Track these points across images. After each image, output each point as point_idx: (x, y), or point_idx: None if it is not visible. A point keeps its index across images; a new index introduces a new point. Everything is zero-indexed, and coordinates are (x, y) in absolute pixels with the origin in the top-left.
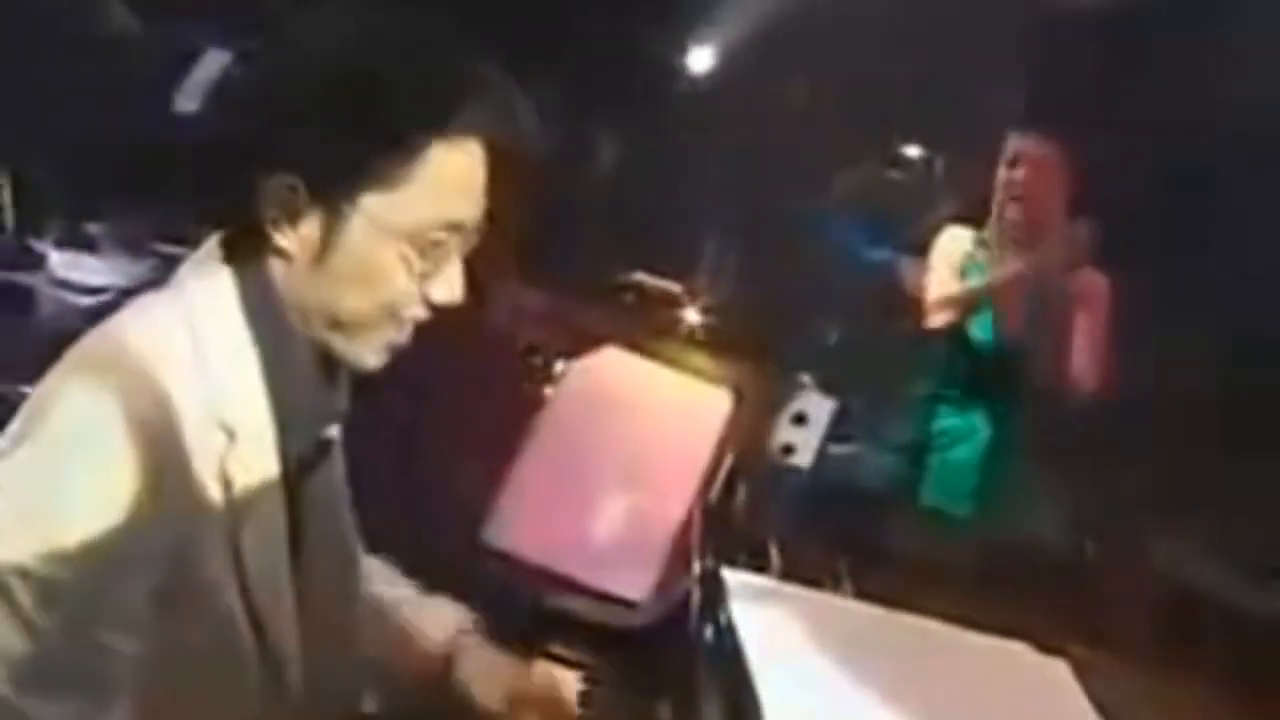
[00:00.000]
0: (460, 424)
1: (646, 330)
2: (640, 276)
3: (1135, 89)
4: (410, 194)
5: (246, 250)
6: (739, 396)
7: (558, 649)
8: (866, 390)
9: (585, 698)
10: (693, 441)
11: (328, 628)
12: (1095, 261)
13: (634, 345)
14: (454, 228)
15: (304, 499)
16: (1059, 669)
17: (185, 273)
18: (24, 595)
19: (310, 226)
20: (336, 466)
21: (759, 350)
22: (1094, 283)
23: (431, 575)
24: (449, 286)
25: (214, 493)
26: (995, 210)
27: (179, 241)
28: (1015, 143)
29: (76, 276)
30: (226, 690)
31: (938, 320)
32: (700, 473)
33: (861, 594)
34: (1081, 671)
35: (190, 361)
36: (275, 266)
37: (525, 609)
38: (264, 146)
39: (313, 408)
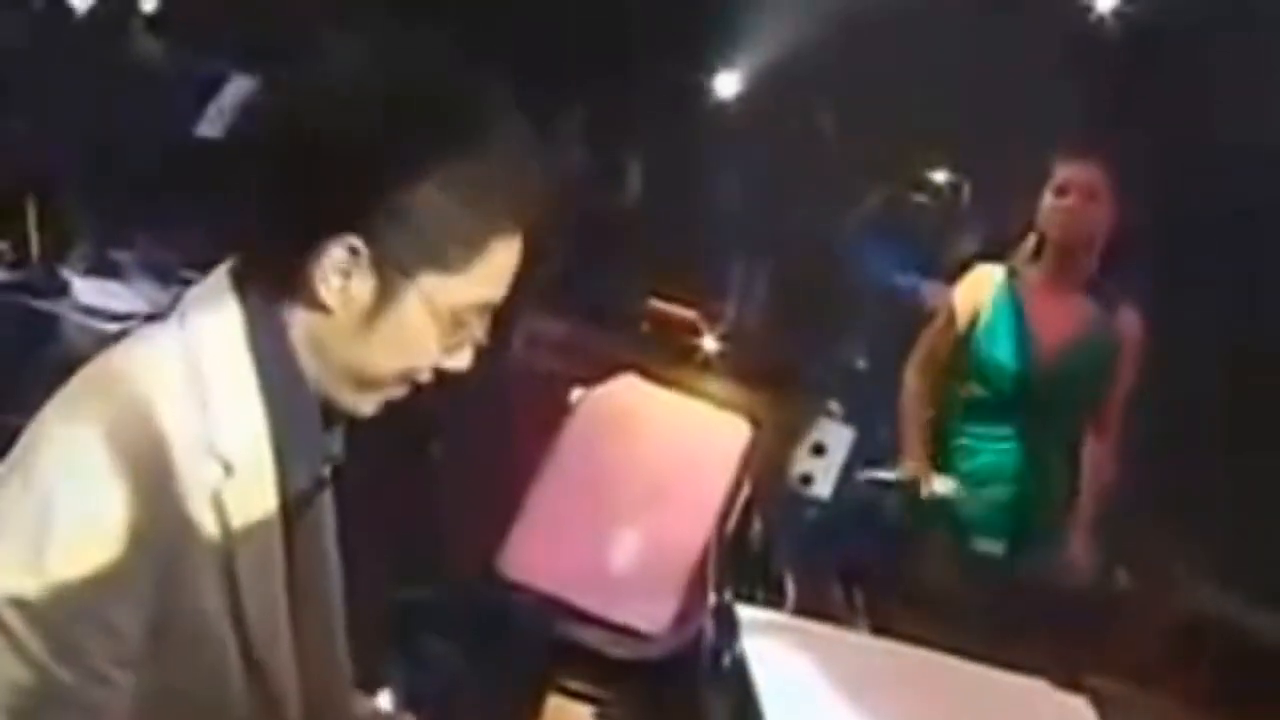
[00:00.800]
0: (477, 453)
1: (664, 358)
2: (657, 303)
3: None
4: (462, 278)
5: (260, 288)
6: (757, 425)
7: (569, 682)
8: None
9: None
10: (710, 470)
11: (322, 664)
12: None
13: (651, 373)
14: (487, 308)
15: (298, 536)
16: (1078, 706)
17: (190, 303)
18: (18, 624)
19: (361, 288)
20: (328, 506)
21: (779, 378)
22: (1131, 321)
23: (446, 608)
24: (464, 357)
25: (207, 524)
26: (1035, 237)
27: (206, 268)
28: (1064, 170)
29: (102, 303)
30: None
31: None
32: (718, 502)
33: (877, 629)
34: (1100, 703)
35: (185, 391)
36: (298, 314)
37: (539, 641)
38: (316, 196)
39: (314, 447)
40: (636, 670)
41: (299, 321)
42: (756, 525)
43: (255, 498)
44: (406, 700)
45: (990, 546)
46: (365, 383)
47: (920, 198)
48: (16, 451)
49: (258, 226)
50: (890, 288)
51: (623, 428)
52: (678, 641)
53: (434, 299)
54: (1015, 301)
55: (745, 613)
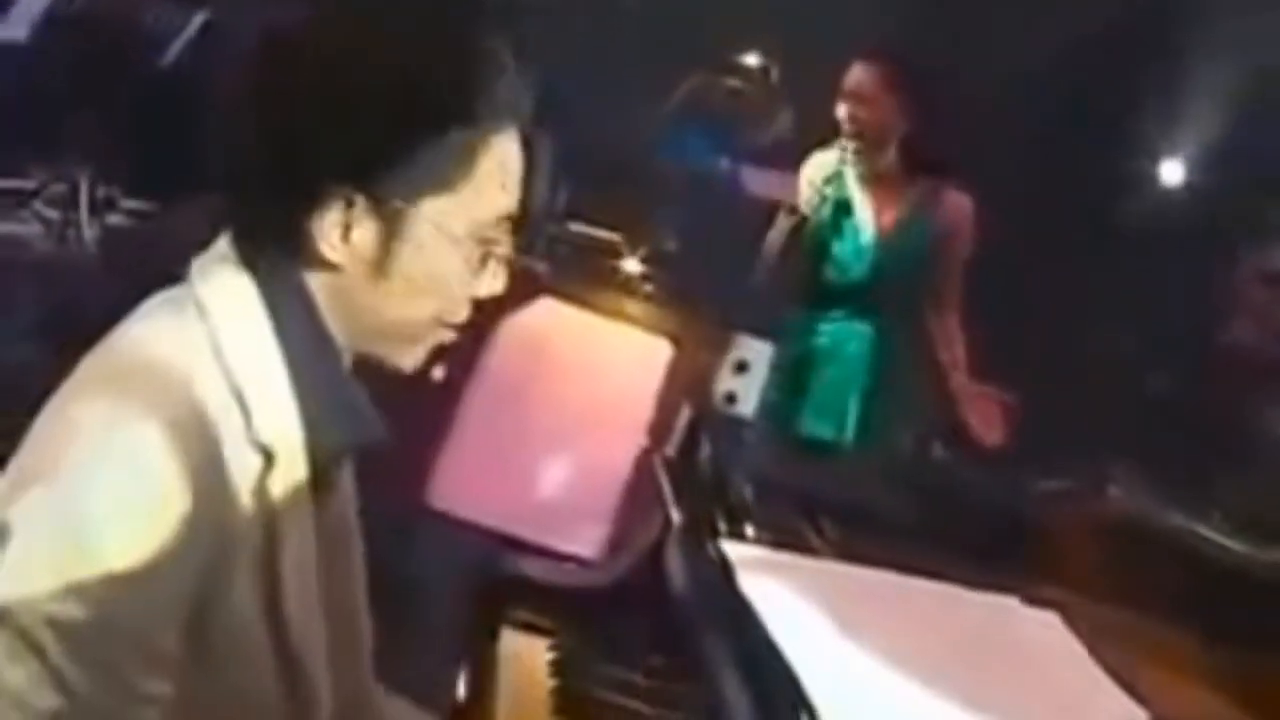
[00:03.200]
0: (399, 384)
1: (584, 280)
2: (577, 226)
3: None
4: (469, 192)
5: (266, 255)
6: (678, 345)
7: (521, 615)
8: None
9: (556, 666)
10: (634, 392)
11: (351, 654)
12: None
13: (569, 296)
14: (504, 220)
15: (325, 520)
16: (1051, 620)
17: (196, 278)
18: (51, 644)
19: (364, 237)
20: (349, 477)
21: (695, 296)
22: (959, 203)
23: (380, 541)
24: (493, 279)
25: (250, 518)
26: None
27: (15, 175)
28: (848, 80)
29: None
30: None
31: None
32: (644, 424)
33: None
34: (1072, 620)
35: (218, 377)
36: (313, 277)
37: (482, 574)
38: (313, 152)
39: (344, 425)
40: (588, 599)
41: (316, 285)
42: (705, 448)
43: (292, 483)
44: None
45: (830, 433)
46: (399, 334)
47: (733, 82)
48: (27, 457)
49: (246, 189)
50: (706, 172)
51: (543, 354)
52: (624, 568)
53: (446, 223)
54: (845, 189)
55: (728, 548)
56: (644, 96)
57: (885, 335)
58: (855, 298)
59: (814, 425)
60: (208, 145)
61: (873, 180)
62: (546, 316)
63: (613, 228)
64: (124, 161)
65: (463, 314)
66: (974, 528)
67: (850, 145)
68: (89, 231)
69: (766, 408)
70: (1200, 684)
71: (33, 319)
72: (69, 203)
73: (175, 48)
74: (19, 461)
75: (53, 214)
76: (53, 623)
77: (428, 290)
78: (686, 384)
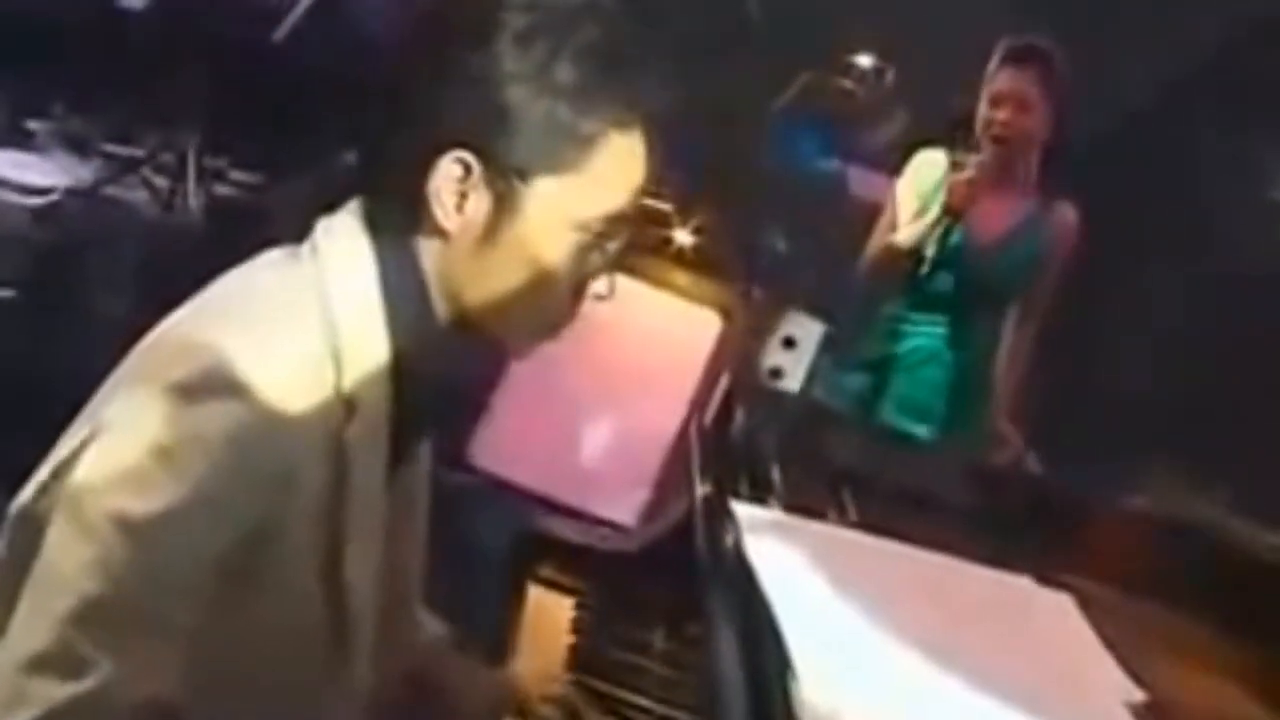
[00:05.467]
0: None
1: (636, 251)
2: None
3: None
4: (584, 182)
5: (390, 221)
6: (728, 318)
7: (548, 573)
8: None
9: (577, 624)
10: (681, 363)
11: (399, 612)
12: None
13: (621, 265)
14: (619, 219)
15: (398, 488)
16: (1063, 602)
17: (319, 231)
18: (110, 535)
19: (478, 207)
20: (426, 455)
21: (746, 272)
22: (1066, 216)
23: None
24: (602, 283)
25: (320, 464)
26: (978, 143)
27: (126, 141)
28: (999, 79)
29: (16, 175)
30: (289, 669)
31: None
32: (689, 395)
33: (859, 524)
34: (1082, 604)
35: (318, 317)
36: (423, 244)
37: (516, 533)
38: (434, 116)
39: (435, 396)
40: (615, 562)
41: (427, 252)
42: (738, 419)
43: (371, 443)
44: None
45: (917, 429)
46: (498, 312)
47: (845, 83)
48: (138, 359)
49: (378, 153)
50: (813, 172)
51: (592, 320)
52: (653, 533)
53: (555, 206)
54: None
55: (743, 511)
56: (760, 97)
57: (974, 340)
58: (950, 301)
59: (901, 420)
60: (321, 119)
61: (992, 187)
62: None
63: (663, 198)
64: (234, 134)
65: (567, 312)
66: (1008, 513)
67: (989, 149)
68: (195, 200)
69: (850, 396)
70: (1214, 675)
71: (136, 283)
72: (178, 171)
73: (289, 21)
74: (128, 369)
75: (161, 181)
76: (117, 517)
77: (528, 269)
78: (732, 358)
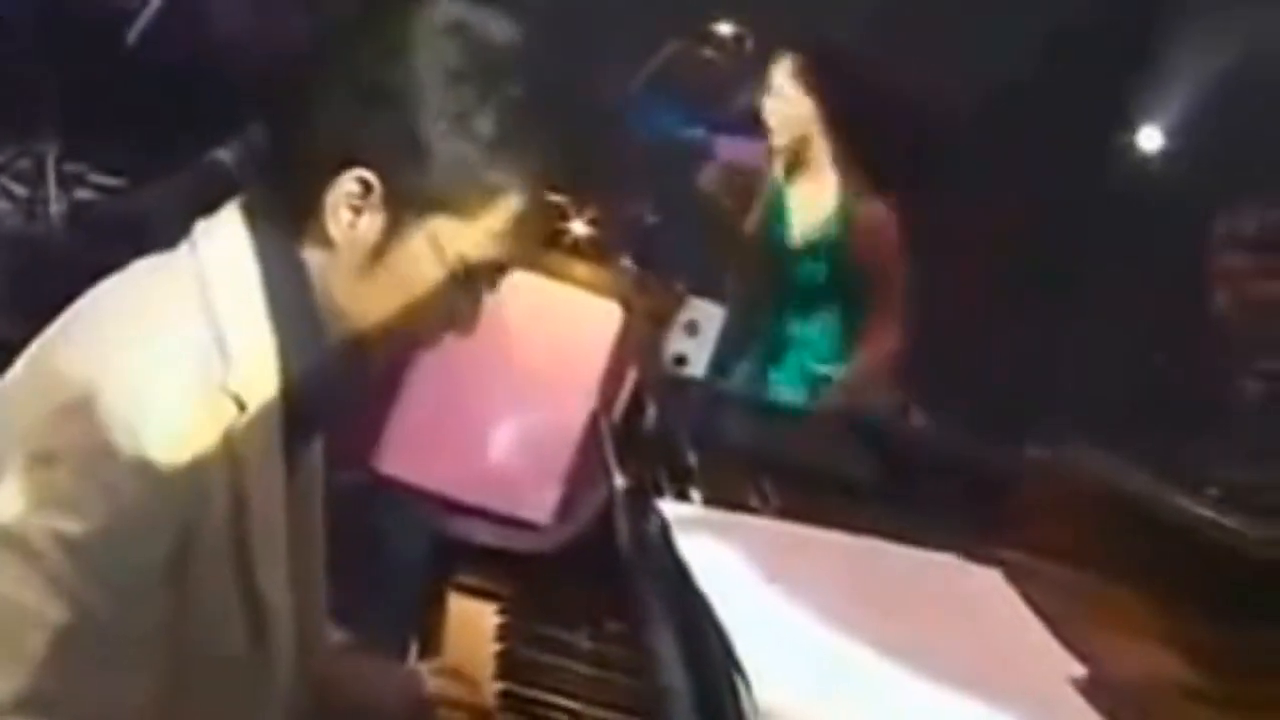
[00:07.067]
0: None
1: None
2: None
3: None
4: (476, 229)
5: (271, 221)
6: (628, 307)
7: (468, 580)
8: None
9: (501, 630)
10: (584, 355)
11: (310, 593)
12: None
13: (518, 259)
14: (496, 269)
15: (294, 489)
16: (994, 578)
17: (201, 234)
18: (60, 559)
19: (370, 226)
20: (318, 455)
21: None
22: (876, 211)
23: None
24: (469, 323)
25: (218, 465)
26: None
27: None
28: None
29: None
30: (220, 676)
31: None
32: (595, 387)
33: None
34: (1014, 577)
35: (201, 315)
36: (308, 251)
37: (431, 540)
38: (342, 130)
39: (324, 395)
40: (536, 564)
41: (313, 259)
42: (650, 411)
43: (263, 443)
44: None
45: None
46: (380, 331)
47: (707, 51)
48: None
49: (272, 157)
50: (679, 142)
51: (492, 315)
52: (570, 532)
53: (442, 245)
54: (780, 185)
55: (669, 508)
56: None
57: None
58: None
59: (782, 392)
60: (182, 120)
61: (801, 177)
62: None
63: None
64: (92, 138)
65: (428, 340)
66: (933, 491)
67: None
68: (56, 207)
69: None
70: (1154, 646)
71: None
72: (36, 179)
73: (142, 22)
74: (14, 396)
75: (20, 190)
76: (58, 538)
77: (399, 298)
78: (637, 348)
